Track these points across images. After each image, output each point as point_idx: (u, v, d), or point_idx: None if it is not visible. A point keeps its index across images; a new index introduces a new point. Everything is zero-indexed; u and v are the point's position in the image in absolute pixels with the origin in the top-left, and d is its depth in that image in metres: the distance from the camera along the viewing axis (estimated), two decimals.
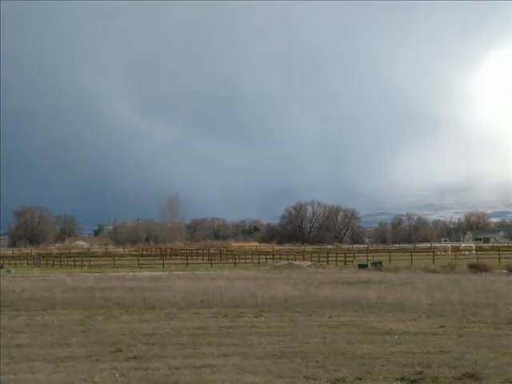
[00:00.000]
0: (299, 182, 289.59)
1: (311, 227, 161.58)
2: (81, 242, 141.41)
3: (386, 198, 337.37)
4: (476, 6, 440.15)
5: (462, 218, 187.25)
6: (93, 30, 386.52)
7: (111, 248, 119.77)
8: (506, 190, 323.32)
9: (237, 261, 63.27)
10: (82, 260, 62.85)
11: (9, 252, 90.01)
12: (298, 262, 56.63)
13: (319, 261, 59.59)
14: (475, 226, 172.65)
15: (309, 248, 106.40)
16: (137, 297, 22.89)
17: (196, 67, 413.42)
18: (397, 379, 9.94)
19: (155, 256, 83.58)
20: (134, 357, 11.79)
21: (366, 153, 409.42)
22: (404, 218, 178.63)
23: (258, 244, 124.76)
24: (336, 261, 59.99)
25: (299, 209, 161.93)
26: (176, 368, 10.67)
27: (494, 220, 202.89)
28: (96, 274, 41.51)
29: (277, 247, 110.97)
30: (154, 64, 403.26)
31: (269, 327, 15.68)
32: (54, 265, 63.71)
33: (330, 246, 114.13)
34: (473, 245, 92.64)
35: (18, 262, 68.43)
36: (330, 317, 17.67)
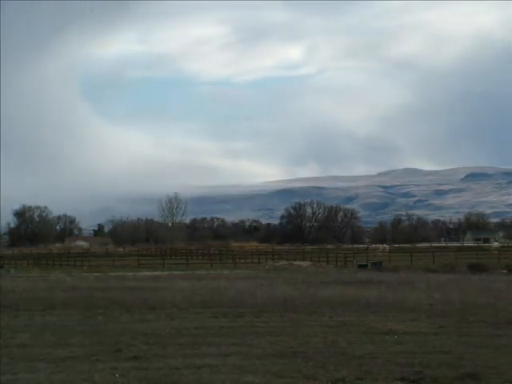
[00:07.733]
0: None
1: (311, 227, 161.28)
2: (81, 242, 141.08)
3: None
4: None
5: (462, 218, 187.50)
6: None
7: (111, 248, 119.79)
8: None
9: (237, 261, 63.21)
10: (82, 260, 62.83)
11: (9, 252, 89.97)
12: (297, 262, 56.49)
13: (319, 261, 59.50)
14: (475, 226, 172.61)
15: (309, 248, 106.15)
16: (137, 297, 22.88)
17: None
18: (397, 379, 9.94)
19: (155, 256, 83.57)
20: (134, 357, 11.78)
21: None
22: (404, 218, 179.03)
23: (257, 244, 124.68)
24: (336, 261, 59.93)
25: (299, 209, 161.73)
26: (176, 368, 10.66)
27: (494, 220, 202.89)
28: (96, 274, 41.50)
29: (277, 247, 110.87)
30: None
31: (269, 327, 15.67)
32: (53, 265, 63.65)
33: (329, 246, 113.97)
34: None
35: (18, 262, 68.34)
36: (330, 317, 17.66)
